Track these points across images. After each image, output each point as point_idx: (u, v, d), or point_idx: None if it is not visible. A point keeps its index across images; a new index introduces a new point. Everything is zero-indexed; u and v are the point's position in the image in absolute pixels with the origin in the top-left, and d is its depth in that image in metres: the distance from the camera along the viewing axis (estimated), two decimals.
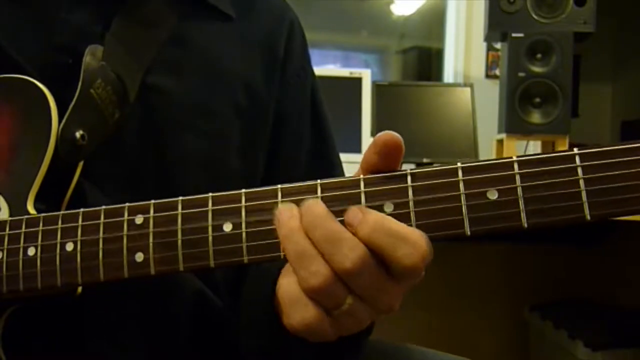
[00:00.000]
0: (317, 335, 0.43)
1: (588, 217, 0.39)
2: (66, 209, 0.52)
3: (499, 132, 1.75)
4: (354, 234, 0.40)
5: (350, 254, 0.40)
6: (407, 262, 0.40)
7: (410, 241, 0.40)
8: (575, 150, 0.40)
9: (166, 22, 0.63)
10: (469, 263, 2.04)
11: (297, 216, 0.42)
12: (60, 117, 0.55)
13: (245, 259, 0.44)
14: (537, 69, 1.65)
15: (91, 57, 0.57)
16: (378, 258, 0.40)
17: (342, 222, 0.41)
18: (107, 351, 0.59)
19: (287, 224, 0.42)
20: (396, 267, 0.40)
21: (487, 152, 1.88)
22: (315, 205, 0.42)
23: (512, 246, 2.03)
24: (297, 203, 0.43)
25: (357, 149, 1.77)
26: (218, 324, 0.64)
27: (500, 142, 1.75)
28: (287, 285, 0.42)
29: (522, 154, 0.43)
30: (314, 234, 0.41)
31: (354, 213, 0.41)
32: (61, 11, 0.60)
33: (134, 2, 0.62)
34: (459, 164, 0.42)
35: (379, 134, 0.43)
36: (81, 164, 0.57)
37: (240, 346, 0.57)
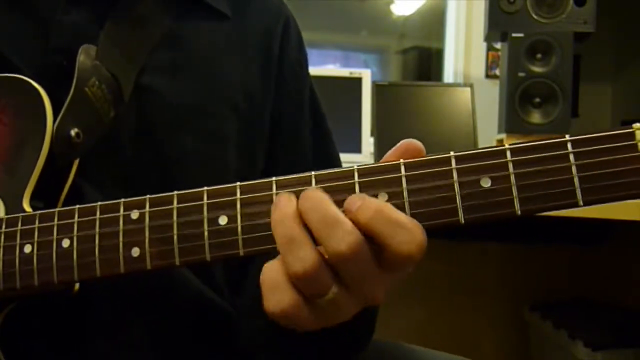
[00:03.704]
0: (294, 322, 0.42)
1: (581, 203, 0.40)
2: (63, 207, 0.51)
3: (499, 132, 1.75)
4: (352, 220, 0.40)
5: (347, 237, 0.39)
6: (404, 250, 0.39)
7: (408, 229, 0.40)
8: (567, 137, 0.41)
9: (160, 22, 0.63)
10: (469, 263, 2.04)
11: (294, 203, 0.41)
12: (56, 116, 0.55)
13: (241, 251, 0.44)
14: (537, 69, 1.64)
15: (85, 56, 0.57)
16: (372, 245, 0.40)
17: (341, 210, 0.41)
18: (108, 351, 0.59)
19: (282, 209, 0.41)
20: (391, 255, 0.40)
21: None
22: (313, 190, 0.41)
23: (512, 246, 2.02)
24: (297, 195, 0.42)
25: (357, 149, 1.77)
26: (221, 321, 0.64)
27: (500, 142, 1.75)
28: (270, 268, 0.42)
29: None
30: (311, 217, 0.40)
31: (354, 199, 0.41)
32: (56, 13, 0.60)
33: (127, 1, 0.62)
34: (451, 153, 0.43)
35: (404, 141, 0.43)
36: (77, 161, 0.57)
37: (242, 331, 0.56)
